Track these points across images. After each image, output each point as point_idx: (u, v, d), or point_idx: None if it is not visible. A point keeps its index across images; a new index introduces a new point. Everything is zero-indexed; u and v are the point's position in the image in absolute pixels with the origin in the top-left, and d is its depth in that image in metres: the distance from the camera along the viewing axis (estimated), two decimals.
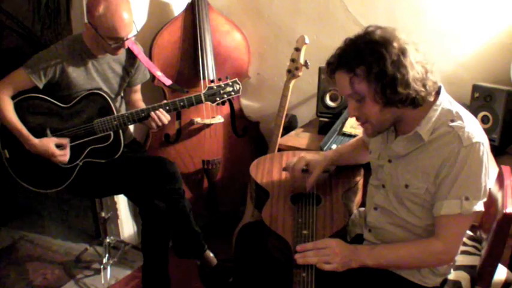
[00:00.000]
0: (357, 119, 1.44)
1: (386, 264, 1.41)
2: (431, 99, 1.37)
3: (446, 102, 1.40)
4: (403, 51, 1.29)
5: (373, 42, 1.30)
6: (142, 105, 2.36)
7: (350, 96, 1.37)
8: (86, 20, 2.05)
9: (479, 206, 1.33)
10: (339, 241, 1.39)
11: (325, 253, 1.35)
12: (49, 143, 2.05)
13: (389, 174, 1.49)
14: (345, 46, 1.36)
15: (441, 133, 1.36)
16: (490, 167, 1.36)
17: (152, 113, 2.06)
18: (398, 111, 1.36)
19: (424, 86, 1.31)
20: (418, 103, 1.33)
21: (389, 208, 1.49)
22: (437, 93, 1.40)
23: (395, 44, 1.29)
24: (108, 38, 2.00)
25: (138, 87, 2.38)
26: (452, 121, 1.36)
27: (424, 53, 1.34)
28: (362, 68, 1.30)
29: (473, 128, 1.34)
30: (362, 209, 1.73)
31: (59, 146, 2.08)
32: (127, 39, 2.04)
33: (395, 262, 1.42)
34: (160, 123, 2.08)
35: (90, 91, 2.11)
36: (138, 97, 2.40)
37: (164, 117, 2.08)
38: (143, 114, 2.08)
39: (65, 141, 2.09)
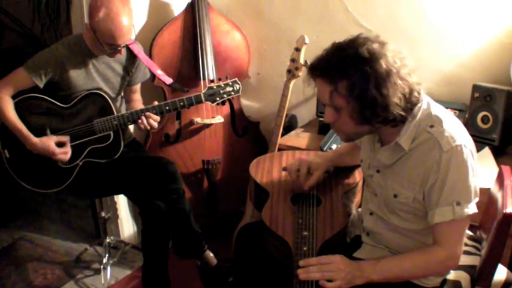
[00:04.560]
0: (331, 126, 1.42)
1: (393, 277, 1.37)
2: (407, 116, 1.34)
3: (425, 104, 1.38)
4: (389, 73, 1.26)
5: (360, 58, 1.26)
6: (140, 105, 2.36)
7: (328, 105, 1.36)
8: (86, 21, 2.04)
9: (472, 209, 1.32)
10: (343, 257, 1.36)
11: (329, 269, 1.32)
12: (49, 141, 2.05)
13: (378, 184, 1.49)
14: (332, 53, 1.32)
15: (421, 140, 1.35)
16: (477, 166, 1.35)
17: (138, 122, 2.06)
18: (373, 127, 1.36)
19: (404, 108, 1.30)
20: (395, 124, 1.33)
21: (383, 216, 1.49)
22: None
23: (382, 63, 1.25)
24: (105, 43, 2.00)
25: (138, 86, 2.38)
26: (432, 126, 1.34)
27: (410, 66, 1.31)
28: (344, 83, 1.27)
29: (453, 131, 1.32)
30: (361, 209, 1.73)
31: (60, 145, 2.08)
32: (124, 46, 2.04)
33: (401, 274, 1.38)
34: (148, 127, 2.08)
35: (90, 91, 2.11)
36: (137, 97, 2.40)
37: (153, 120, 2.08)
38: (143, 114, 2.08)
39: (65, 138, 2.08)
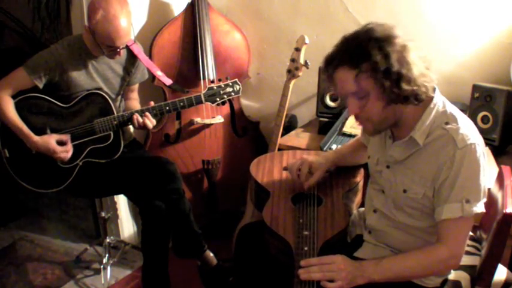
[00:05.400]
0: (357, 118, 1.41)
1: (394, 277, 1.36)
2: (432, 95, 1.37)
3: (440, 103, 1.40)
4: (405, 48, 1.29)
5: (377, 38, 1.28)
6: (137, 104, 2.37)
7: (352, 94, 1.34)
8: (86, 22, 2.05)
9: (480, 208, 1.33)
10: (344, 257, 1.36)
11: (330, 269, 1.31)
12: (50, 140, 2.05)
13: (387, 180, 1.48)
14: (346, 43, 1.33)
15: (436, 136, 1.36)
16: (488, 166, 1.35)
17: (133, 116, 2.06)
18: (399, 109, 1.36)
19: (425, 81, 1.31)
20: (421, 99, 1.33)
21: (388, 213, 1.49)
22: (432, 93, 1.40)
23: (398, 40, 1.29)
24: (103, 45, 2.01)
25: (136, 86, 2.38)
26: (447, 123, 1.35)
27: (422, 48, 1.34)
28: (367, 64, 1.28)
29: (468, 129, 1.34)
30: (362, 209, 1.73)
31: (61, 144, 2.08)
32: (123, 48, 2.04)
33: (403, 273, 1.38)
34: (142, 126, 2.08)
35: (90, 91, 2.11)
36: (134, 96, 2.41)
37: (149, 121, 2.08)
38: (142, 115, 2.08)
39: (66, 137, 2.08)
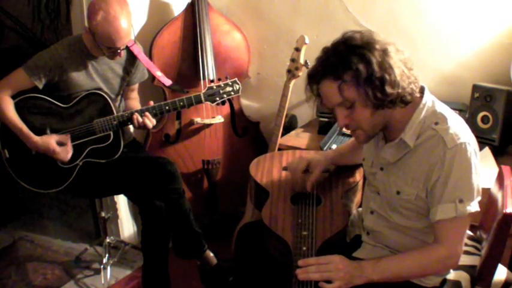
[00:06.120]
0: (347, 127, 1.41)
1: (393, 276, 1.36)
2: (418, 95, 1.37)
3: (430, 102, 1.39)
4: (385, 52, 1.29)
5: (356, 46, 1.29)
6: (137, 103, 2.37)
7: (339, 105, 1.35)
8: (86, 24, 2.05)
9: (474, 207, 1.32)
10: (342, 257, 1.35)
11: (328, 269, 1.31)
12: (50, 140, 2.05)
13: (382, 182, 1.49)
14: (326, 54, 1.34)
15: (426, 137, 1.36)
16: (480, 165, 1.35)
17: (133, 116, 2.06)
18: (388, 113, 1.36)
19: (410, 83, 1.32)
20: (408, 101, 1.33)
21: (384, 214, 1.49)
22: (421, 93, 1.39)
23: (377, 46, 1.29)
24: (104, 47, 2.01)
25: (136, 86, 2.39)
26: (436, 123, 1.35)
27: (404, 51, 1.34)
28: (349, 74, 1.28)
29: (458, 129, 1.33)
30: (361, 209, 1.72)
31: (61, 144, 2.08)
32: (123, 49, 2.04)
33: (401, 273, 1.37)
34: (142, 126, 2.09)
35: (90, 91, 2.12)
36: (134, 96, 2.41)
37: (149, 121, 2.08)
38: (142, 114, 2.08)
39: (67, 138, 2.08)
